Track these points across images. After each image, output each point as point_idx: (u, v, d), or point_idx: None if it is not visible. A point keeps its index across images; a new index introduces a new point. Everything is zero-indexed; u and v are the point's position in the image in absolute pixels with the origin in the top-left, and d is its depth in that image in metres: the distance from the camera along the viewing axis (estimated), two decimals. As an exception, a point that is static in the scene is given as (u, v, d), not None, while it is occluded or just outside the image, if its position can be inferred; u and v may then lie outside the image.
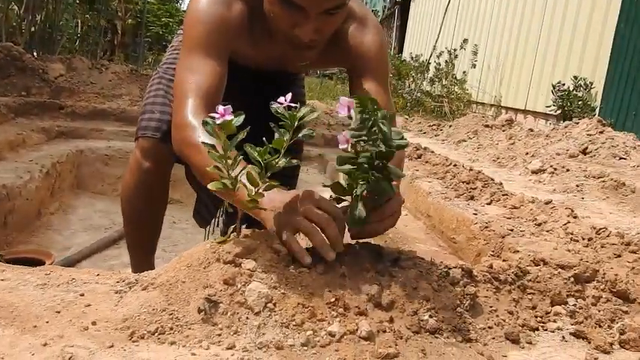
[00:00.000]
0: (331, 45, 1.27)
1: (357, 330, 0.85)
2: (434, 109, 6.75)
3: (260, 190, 0.89)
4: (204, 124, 0.85)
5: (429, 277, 1.00)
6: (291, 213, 0.93)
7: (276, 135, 0.90)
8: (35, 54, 4.82)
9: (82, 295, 0.83)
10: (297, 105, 0.89)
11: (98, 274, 0.92)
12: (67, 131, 3.22)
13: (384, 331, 0.87)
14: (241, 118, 0.85)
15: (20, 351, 0.68)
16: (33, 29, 5.29)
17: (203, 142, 0.87)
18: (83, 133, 3.26)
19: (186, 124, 1.06)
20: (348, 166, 0.95)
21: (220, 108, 0.83)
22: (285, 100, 0.89)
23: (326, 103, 5.84)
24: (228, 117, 0.83)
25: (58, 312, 0.77)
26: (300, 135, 0.90)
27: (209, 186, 0.87)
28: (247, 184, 0.88)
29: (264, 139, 0.90)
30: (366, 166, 0.94)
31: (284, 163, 0.90)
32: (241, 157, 0.90)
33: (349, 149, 0.94)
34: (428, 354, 0.84)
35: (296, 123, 0.88)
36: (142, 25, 6.92)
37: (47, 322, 0.75)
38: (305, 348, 0.79)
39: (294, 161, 0.91)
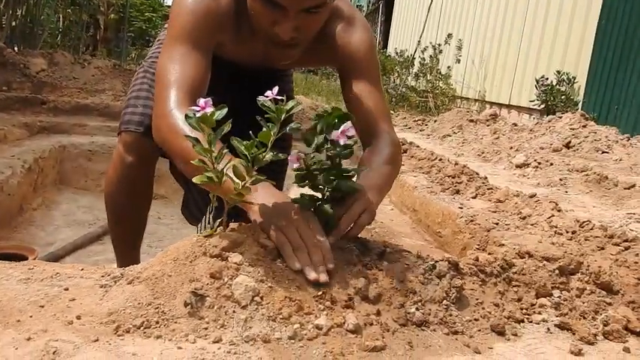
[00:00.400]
0: (318, 44, 1.26)
1: (344, 323, 0.85)
2: (419, 104, 6.78)
3: (247, 184, 0.89)
4: (187, 117, 0.84)
5: (416, 270, 1.00)
6: (283, 217, 0.93)
7: (264, 128, 0.89)
8: (16, 49, 4.74)
9: (67, 289, 0.82)
10: (284, 98, 0.88)
11: (83, 269, 0.91)
12: (49, 126, 3.17)
13: (371, 324, 0.87)
14: (224, 111, 0.84)
15: (3, 346, 0.67)
16: (14, 24, 5.20)
17: (186, 136, 0.86)
18: (66, 129, 3.22)
19: (168, 113, 1.04)
20: (306, 181, 0.98)
21: (201, 101, 0.82)
22: (272, 94, 0.88)
23: (311, 98, 5.83)
24: (209, 110, 0.82)
25: (42, 306, 0.76)
26: (287, 129, 0.90)
27: (194, 179, 0.86)
28: (234, 178, 0.88)
29: (250, 132, 0.89)
30: (319, 174, 0.96)
31: (271, 157, 0.90)
32: (226, 150, 0.89)
33: (302, 165, 0.95)
34: (415, 346, 0.85)
35: (283, 116, 0.88)
36: (125, 19, 6.84)
37: (31, 316, 0.74)
38: (292, 341, 0.78)
39: (281, 155, 0.90)
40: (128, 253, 1.46)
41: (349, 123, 0.95)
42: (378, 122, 1.23)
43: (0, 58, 3.87)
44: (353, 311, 0.88)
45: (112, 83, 4.16)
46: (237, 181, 0.88)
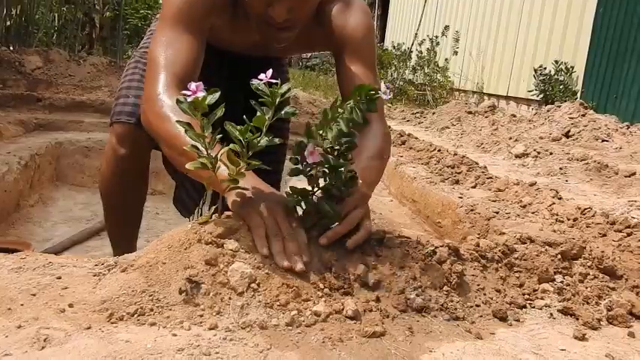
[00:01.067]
0: (314, 27, 1.24)
1: (342, 309, 0.83)
2: (417, 97, 6.76)
3: (242, 170, 0.87)
4: (178, 102, 0.82)
5: (416, 257, 0.98)
6: (263, 202, 0.91)
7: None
8: (11, 48, 4.71)
9: (59, 278, 0.80)
10: (278, 82, 0.86)
11: (76, 259, 0.90)
12: (45, 123, 3.15)
13: (371, 311, 0.85)
14: (216, 95, 0.82)
15: (-7, 334, 0.65)
16: (8, 23, 5.17)
17: (178, 121, 0.84)
18: (62, 125, 3.19)
19: (156, 97, 1.02)
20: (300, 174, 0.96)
21: (192, 85, 0.80)
22: (266, 77, 0.86)
23: (309, 93, 5.81)
24: (200, 94, 0.80)
25: (34, 295, 0.75)
26: (282, 112, 0.88)
27: (187, 166, 0.84)
28: (228, 164, 0.86)
29: (244, 117, 0.87)
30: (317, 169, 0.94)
31: (266, 142, 0.88)
32: (218, 137, 0.86)
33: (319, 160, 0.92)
34: (415, 332, 0.83)
35: (278, 100, 0.86)
36: (120, 17, 6.80)
37: (22, 304, 0.72)
38: (290, 328, 0.77)
39: (277, 140, 0.88)
40: (125, 245, 1.44)
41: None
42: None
43: (-6, 56, 3.85)
44: (352, 298, 0.87)
45: (108, 80, 4.13)
46: (231, 167, 0.86)
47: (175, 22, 1.11)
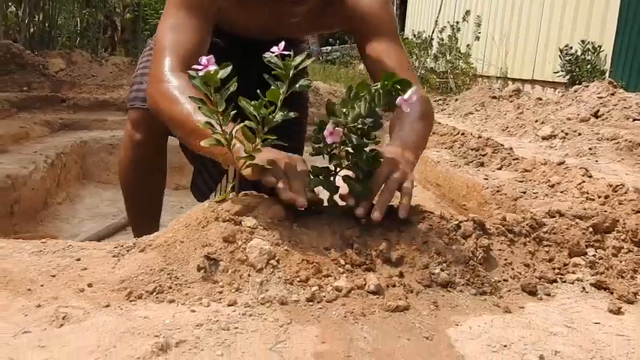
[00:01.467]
0: (326, 6, 1.22)
1: (365, 285, 0.81)
2: (439, 85, 6.66)
3: (258, 146, 0.85)
4: (190, 77, 0.81)
5: (440, 231, 0.96)
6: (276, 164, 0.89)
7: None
8: (35, 52, 4.80)
9: (79, 259, 0.80)
10: (291, 53, 0.84)
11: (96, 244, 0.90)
12: (70, 123, 3.19)
13: (394, 286, 0.83)
14: (228, 69, 0.81)
15: (13, 313, 0.65)
16: (32, 30, 5.27)
17: (190, 97, 0.83)
18: (86, 124, 3.24)
19: (162, 79, 1.01)
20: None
21: (203, 59, 0.79)
22: (278, 49, 0.84)
23: (329, 84, 5.78)
24: (212, 67, 0.78)
25: (54, 276, 0.75)
26: (297, 86, 0.86)
27: (202, 143, 0.83)
28: (243, 140, 0.84)
29: (258, 91, 0.86)
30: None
31: (281, 116, 0.86)
32: (232, 112, 0.85)
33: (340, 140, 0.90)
34: (440, 306, 0.81)
35: (291, 72, 0.84)
36: (140, 18, 6.88)
37: (42, 285, 0.72)
38: (310, 303, 0.75)
39: (291, 114, 0.87)
40: (147, 232, 1.44)
41: (415, 88, 0.88)
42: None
43: (19, 60, 3.92)
44: (374, 273, 0.84)
45: (130, 78, 4.17)
46: (247, 144, 0.85)
47: (181, 6, 1.10)
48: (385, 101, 0.89)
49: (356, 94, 0.90)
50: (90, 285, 0.72)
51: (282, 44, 0.84)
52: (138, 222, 1.47)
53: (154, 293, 0.72)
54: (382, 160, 0.94)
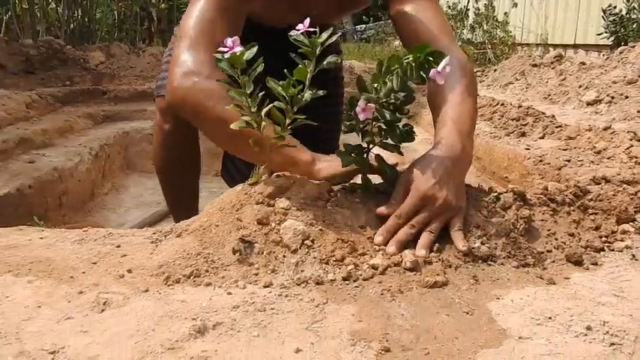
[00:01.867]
0: None
1: (401, 262, 0.80)
2: (477, 56, 6.48)
3: (287, 127, 0.84)
4: (216, 60, 0.80)
5: (478, 204, 0.93)
6: None
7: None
8: (76, 47, 4.93)
9: (119, 246, 0.82)
10: (317, 30, 0.82)
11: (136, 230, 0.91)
12: (111, 115, 3.27)
13: (431, 262, 0.81)
14: (254, 49, 0.80)
15: (57, 300, 0.67)
16: (72, 25, 5.40)
17: (218, 80, 0.82)
18: (127, 115, 3.31)
19: (183, 68, 0.95)
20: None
21: (229, 41, 0.78)
22: (304, 26, 0.82)
23: (364, 62, 5.71)
24: (238, 49, 0.77)
25: (95, 263, 0.77)
26: (324, 63, 0.84)
27: (232, 126, 0.82)
28: (272, 122, 0.84)
29: (285, 71, 0.84)
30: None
31: (310, 95, 0.85)
32: (261, 94, 0.83)
33: (372, 115, 0.88)
34: (480, 280, 0.79)
35: (318, 50, 0.82)
36: (174, 8, 6.95)
37: (83, 272, 0.74)
38: (347, 282, 0.75)
39: (320, 92, 0.84)
40: (185, 218, 1.46)
41: (449, 58, 0.84)
42: (439, 40, 1.04)
43: (61, 55, 4.02)
44: (410, 250, 0.83)
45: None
46: (276, 127, 0.84)
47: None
48: (418, 74, 0.86)
49: (387, 69, 0.88)
50: (129, 271, 0.74)
51: (307, 21, 0.82)
52: (176, 208, 1.49)
53: (191, 277, 0.73)
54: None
